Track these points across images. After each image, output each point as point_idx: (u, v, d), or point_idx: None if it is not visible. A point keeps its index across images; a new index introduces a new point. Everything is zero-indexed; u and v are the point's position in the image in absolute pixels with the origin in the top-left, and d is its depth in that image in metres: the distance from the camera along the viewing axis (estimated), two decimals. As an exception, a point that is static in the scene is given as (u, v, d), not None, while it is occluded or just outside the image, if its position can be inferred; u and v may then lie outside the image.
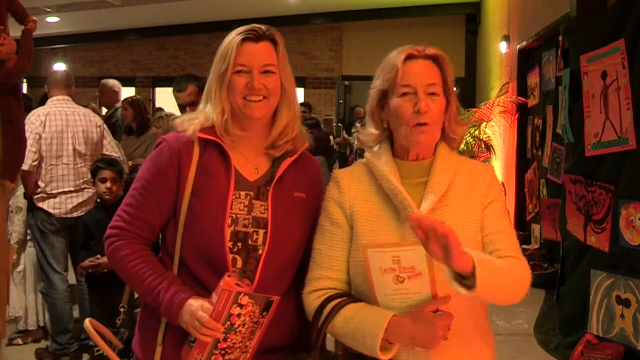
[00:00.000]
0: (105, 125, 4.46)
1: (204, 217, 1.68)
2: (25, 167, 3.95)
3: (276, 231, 1.70)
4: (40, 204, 4.10)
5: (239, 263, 1.68)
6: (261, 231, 1.69)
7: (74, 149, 4.16)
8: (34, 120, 4.09)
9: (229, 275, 1.58)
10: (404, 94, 1.62)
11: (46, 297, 4.20)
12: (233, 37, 1.71)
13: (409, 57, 1.64)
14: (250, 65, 1.69)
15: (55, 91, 4.27)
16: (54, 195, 4.10)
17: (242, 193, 1.71)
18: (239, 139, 1.74)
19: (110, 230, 1.73)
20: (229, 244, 1.66)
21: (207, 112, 1.74)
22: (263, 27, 1.74)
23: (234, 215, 1.68)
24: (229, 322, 1.55)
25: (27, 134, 3.99)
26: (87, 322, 2.04)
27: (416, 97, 1.61)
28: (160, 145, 1.77)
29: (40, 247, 4.14)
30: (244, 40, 1.70)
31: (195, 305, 1.57)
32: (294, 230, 1.73)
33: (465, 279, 1.46)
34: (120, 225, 1.72)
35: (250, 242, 1.69)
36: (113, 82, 6.27)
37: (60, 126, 4.13)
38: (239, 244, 1.68)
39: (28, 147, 3.93)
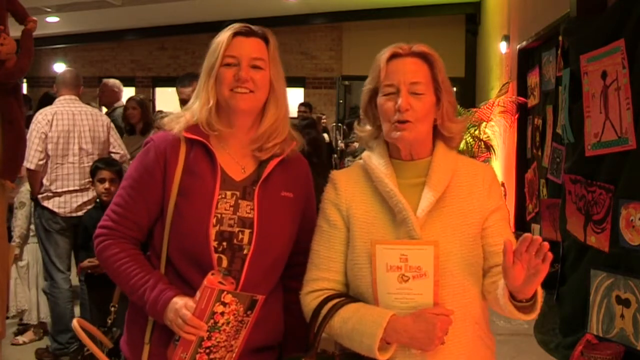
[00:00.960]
0: (112, 124, 4.50)
1: (189, 217, 1.68)
2: (31, 166, 4.03)
3: (262, 231, 1.69)
4: (45, 203, 4.12)
5: (225, 262, 1.68)
6: (247, 231, 1.69)
7: (80, 148, 4.20)
8: (40, 120, 4.13)
9: (212, 274, 1.59)
10: (388, 93, 1.64)
11: (49, 296, 4.22)
12: (224, 32, 1.73)
13: (393, 56, 1.65)
14: (239, 57, 1.70)
15: (63, 91, 4.32)
16: (59, 194, 4.12)
17: (228, 193, 1.71)
18: (225, 136, 1.74)
19: (99, 229, 1.75)
20: (214, 244, 1.67)
21: (193, 108, 1.75)
22: (256, 27, 1.76)
23: (219, 215, 1.68)
24: (212, 321, 1.54)
25: (34, 133, 4.06)
26: (75, 322, 2.04)
27: (398, 95, 1.61)
28: (147, 145, 1.77)
29: (45, 246, 4.17)
30: (235, 35, 1.72)
31: (180, 303, 1.58)
32: (280, 230, 1.73)
33: (517, 301, 1.49)
34: (109, 224, 1.73)
35: (235, 241, 1.69)
36: (114, 82, 6.33)
37: (67, 125, 4.16)
38: (224, 243, 1.68)
39: (34, 147, 4.02)
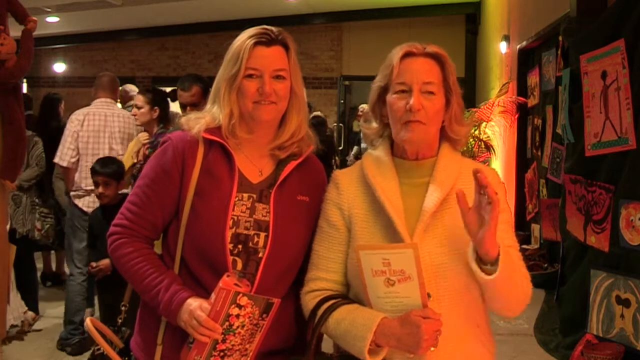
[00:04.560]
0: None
1: (205, 218, 1.67)
2: (64, 163, 4.31)
3: (277, 234, 1.68)
4: (76, 201, 4.35)
5: (239, 265, 1.67)
6: (262, 234, 1.68)
7: (111, 148, 4.39)
8: (73, 119, 4.37)
9: (227, 276, 1.57)
10: (399, 92, 1.62)
11: (66, 287, 4.44)
12: (245, 39, 1.70)
13: (407, 55, 1.64)
14: (262, 69, 1.69)
15: (100, 94, 4.54)
16: (89, 193, 4.30)
17: (245, 195, 1.70)
18: (244, 141, 1.73)
19: (114, 227, 1.73)
20: (230, 246, 1.66)
21: (213, 112, 1.73)
22: (275, 30, 1.73)
23: (235, 218, 1.67)
24: (227, 323, 1.53)
25: (67, 132, 4.34)
26: (87, 321, 2.04)
27: (410, 95, 1.60)
28: (165, 144, 1.76)
29: (70, 240, 4.42)
30: (256, 44, 1.69)
31: (194, 304, 1.57)
32: (295, 234, 1.72)
33: (485, 265, 1.49)
34: (124, 223, 1.72)
35: (251, 244, 1.68)
36: (131, 87, 6.64)
37: (97, 126, 4.38)
38: (240, 246, 1.67)
39: (67, 144, 4.31)
